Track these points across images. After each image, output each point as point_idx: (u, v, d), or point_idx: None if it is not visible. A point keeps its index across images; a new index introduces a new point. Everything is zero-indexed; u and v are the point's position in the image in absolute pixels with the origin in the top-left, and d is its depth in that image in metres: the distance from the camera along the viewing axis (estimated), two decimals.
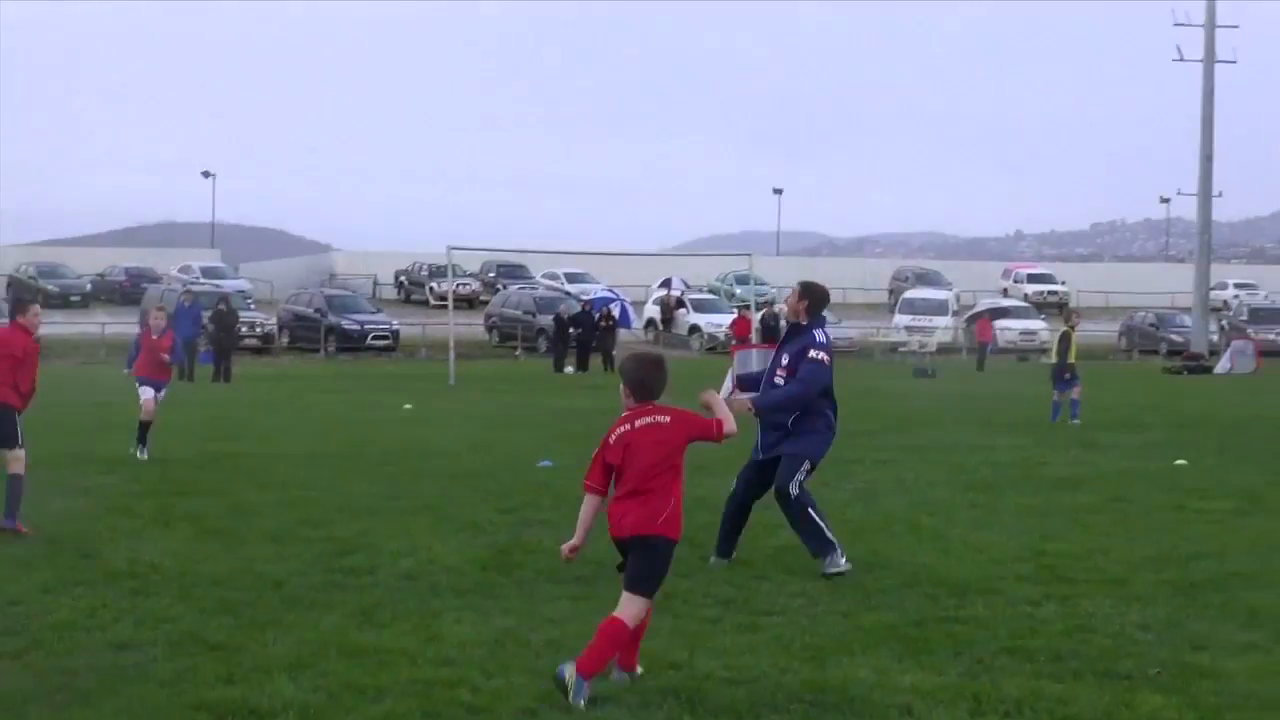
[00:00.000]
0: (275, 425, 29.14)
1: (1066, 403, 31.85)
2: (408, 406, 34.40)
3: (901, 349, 66.80)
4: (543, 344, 62.80)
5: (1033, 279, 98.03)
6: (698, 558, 14.10)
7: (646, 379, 9.85)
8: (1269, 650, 10.52)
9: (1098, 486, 19.83)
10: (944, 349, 66.57)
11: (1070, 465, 22.59)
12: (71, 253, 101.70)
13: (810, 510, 13.51)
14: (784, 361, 13.79)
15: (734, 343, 52.46)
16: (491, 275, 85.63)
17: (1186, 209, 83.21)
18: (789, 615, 11.68)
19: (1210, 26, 74.64)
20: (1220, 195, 75.93)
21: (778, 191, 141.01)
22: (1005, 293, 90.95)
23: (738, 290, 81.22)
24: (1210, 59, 74.66)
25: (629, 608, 9.49)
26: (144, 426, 22.96)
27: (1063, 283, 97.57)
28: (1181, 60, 75.49)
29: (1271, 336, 72.68)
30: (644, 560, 9.60)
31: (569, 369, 52.79)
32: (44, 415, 26.37)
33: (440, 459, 22.50)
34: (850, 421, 25.71)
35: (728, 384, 40.64)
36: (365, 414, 32.10)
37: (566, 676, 9.08)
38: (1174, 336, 74.38)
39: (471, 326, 66.88)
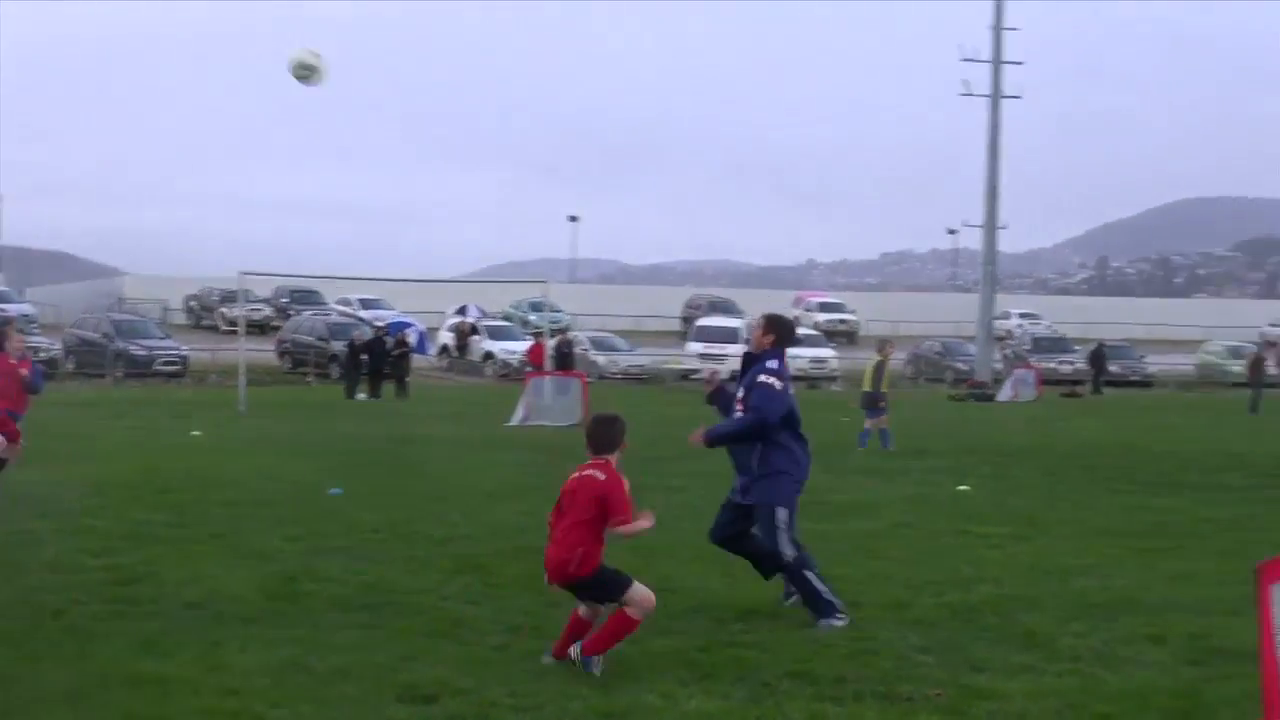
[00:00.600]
0: (60, 451, 28.50)
1: (876, 431, 32.38)
2: (196, 433, 33.91)
3: (694, 376, 67.29)
4: (335, 370, 62.27)
5: (824, 307, 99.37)
6: (485, 585, 14.12)
7: (591, 433, 11.21)
8: (1043, 671, 10.81)
9: (883, 513, 20.18)
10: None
11: (857, 492, 22.96)
12: None
13: (807, 573, 12.74)
14: (740, 394, 12.98)
15: (528, 370, 52.48)
16: (284, 301, 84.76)
17: (973, 240, 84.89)
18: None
19: (996, 62, 76.37)
20: (1005, 227, 77.63)
21: (573, 219, 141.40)
22: (797, 321, 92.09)
23: (532, 317, 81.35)
24: (996, 94, 76.36)
25: (633, 608, 10.71)
26: None
27: (853, 311, 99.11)
28: (969, 95, 77.15)
29: (1053, 365, 74.51)
30: (593, 589, 10.79)
31: (361, 396, 52.37)
32: None
33: (228, 487, 22.22)
34: (643, 448, 25.90)
35: (521, 411, 40.78)
36: (153, 440, 31.58)
37: (572, 654, 10.72)
38: (959, 365, 75.89)
39: (263, 352, 66.10)
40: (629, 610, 10.66)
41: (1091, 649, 11.55)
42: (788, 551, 12.71)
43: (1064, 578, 14.84)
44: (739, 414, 12.94)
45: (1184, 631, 12.13)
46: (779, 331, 13.13)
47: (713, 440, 12.97)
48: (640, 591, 10.73)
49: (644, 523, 10.79)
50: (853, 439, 32.69)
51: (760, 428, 12.73)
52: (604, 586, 10.72)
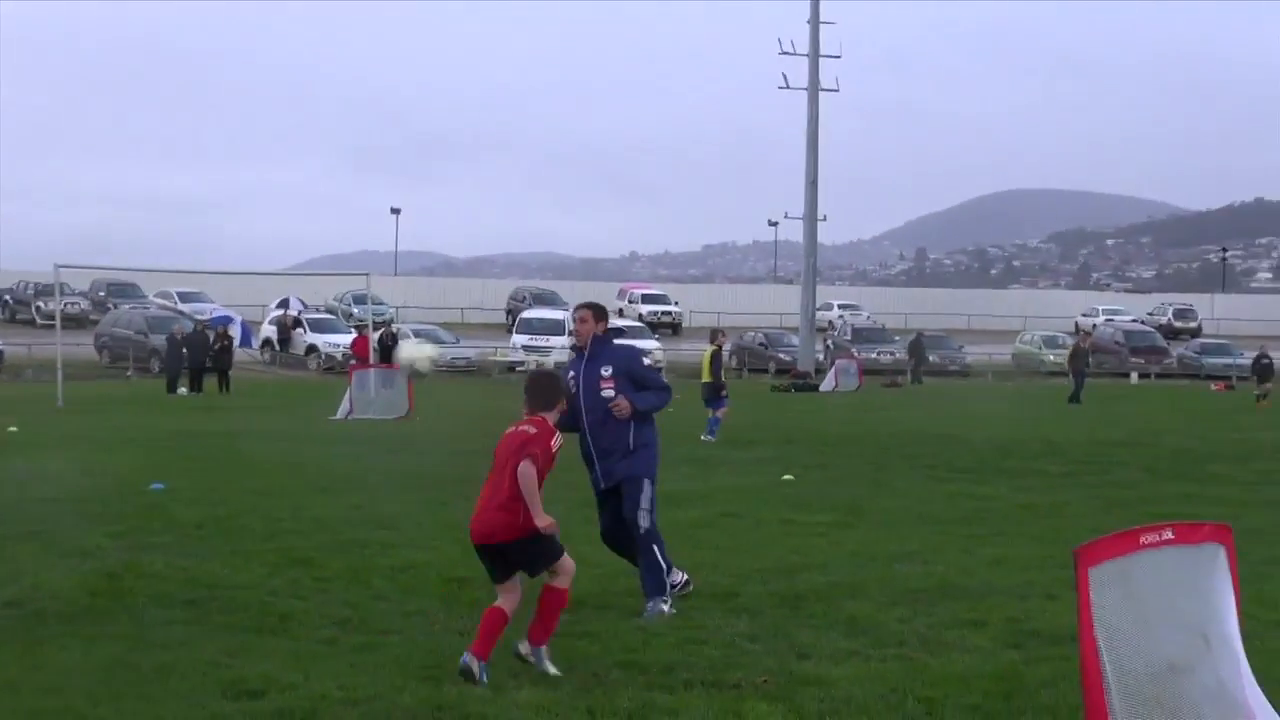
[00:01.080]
0: None
1: (718, 419, 32.42)
2: (12, 429, 33.25)
3: (519, 369, 67.23)
4: (155, 365, 61.39)
5: (647, 299, 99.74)
6: (312, 579, 14.02)
7: (530, 387, 11.04)
8: (868, 656, 10.96)
9: (709, 502, 20.32)
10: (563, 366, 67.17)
11: (681, 481, 23.06)
12: None
13: (656, 548, 12.92)
14: (605, 373, 13.05)
15: (353, 363, 52.09)
16: (102, 294, 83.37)
17: (794, 232, 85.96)
18: (406, 634, 11.70)
19: (814, 56, 77.20)
20: (825, 219, 78.48)
21: (395, 211, 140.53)
22: (620, 313, 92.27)
23: (355, 310, 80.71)
24: (814, 87, 77.18)
25: (560, 578, 10.52)
26: None
27: (676, 303, 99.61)
28: (788, 88, 77.89)
29: (873, 355, 75.55)
30: (529, 553, 10.44)
31: (182, 390, 51.69)
32: None
33: (47, 483, 21.82)
34: (465, 441, 25.87)
35: (345, 405, 40.46)
36: None
37: (523, 651, 10.46)
38: (782, 355, 76.63)
39: (81, 347, 64.92)
40: (558, 582, 10.47)
41: (915, 633, 11.73)
42: (644, 522, 12.92)
43: (887, 564, 15.05)
44: (608, 391, 13.05)
45: (1003, 616, 12.36)
46: (605, 316, 13.63)
47: (644, 409, 13.16)
48: (568, 560, 10.58)
49: (544, 518, 10.15)
50: (679, 430, 32.86)
51: (668, 398, 13.46)
52: (541, 552, 10.34)
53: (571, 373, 13.26)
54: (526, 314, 78.80)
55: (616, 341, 13.66)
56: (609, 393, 13.03)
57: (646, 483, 13.03)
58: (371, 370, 43.02)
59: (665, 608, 12.64)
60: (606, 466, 13.09)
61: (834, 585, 13.80)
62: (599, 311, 13.52)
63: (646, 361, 13.74)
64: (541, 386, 10.99)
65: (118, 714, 9.37)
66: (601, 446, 13.14)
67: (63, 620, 12.17)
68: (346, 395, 40.07)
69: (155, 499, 19.95)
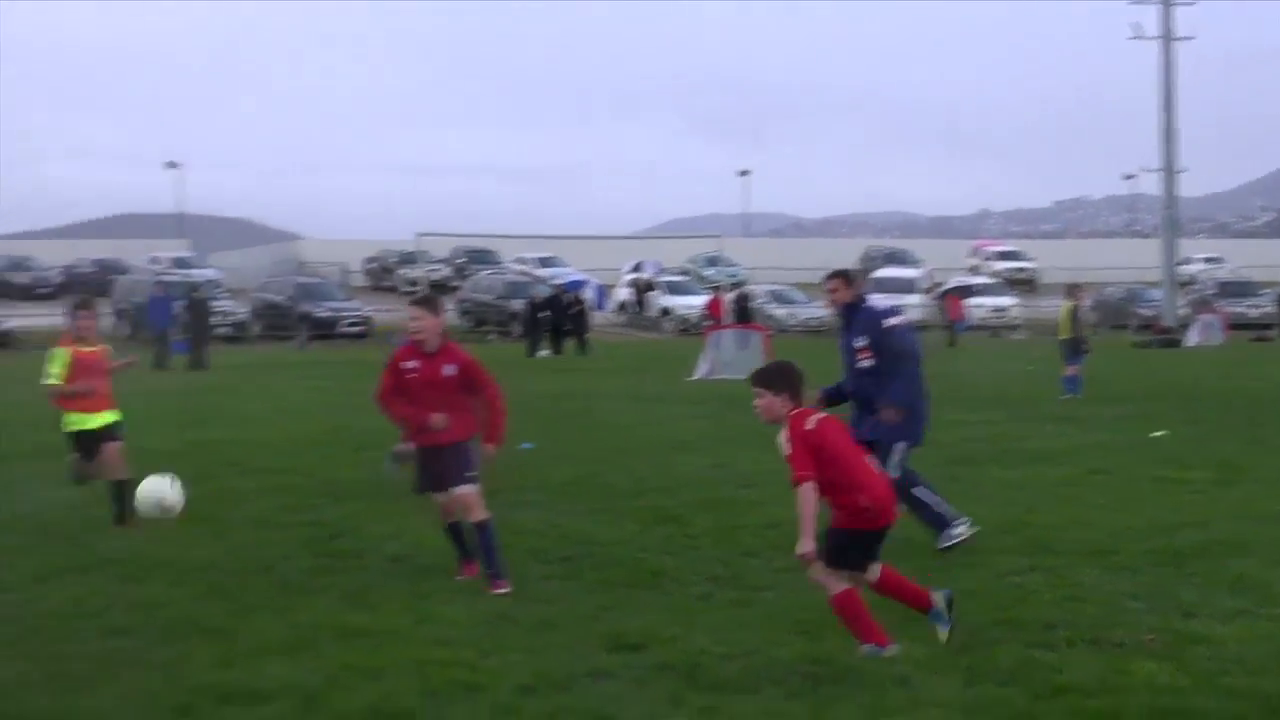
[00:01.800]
0: (252, 412, 29.11)
1: (1077, 375, 31.63)
2: None
3: None
4: (515, 328, 62.73)
5: (1002, 256, 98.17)
6: (682, 535, 14.17)
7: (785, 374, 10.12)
8: (1257, 615, 10.61)
9: (1077, 459, 19.91)
10: (920, 327, 66.64)
11: (1048, 439, 22.68)
12: (39, 245, 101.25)
13: (915, 490, 13.40)
14: (860, 344, 13.53)
15: (708, 324, 52.46)
16: (461, 261, 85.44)
17: (1150, 185, 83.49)
18: (779, 590, 11.73)
19: (1166, 3, 74.76)
20: (1184, 171, 76.11)
21: (744, 173, 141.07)
22: (975, 270, 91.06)
23: (709, 272, 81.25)
24: (1167, 36, 74.77)
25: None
26: None
27: (1031, 259, 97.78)
28: (1139, 38, 75.64)
29: (1240, 309, 73.00)
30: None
31: (543, 353, 52.77)
32: (18, 411, 26.24)
33: None
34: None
35: (704, 365, 40.79)
36: (341, 400, 32.01)
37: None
38: (1143, 311, 74.58)
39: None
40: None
41: None
42: (895, 472, 13.11)
43: (1274, 523, 14.51)
44: (865, 363, 13.53)
45: None
46: (856, 282, 13.91)
47: (901, 402, 13.42)
48: None
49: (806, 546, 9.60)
50: (1039, 388, 32.31)
51: (917, 365, 13.63)
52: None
53: (840, 340, 13.88)
54: (879, 273, 78.28)
55: (868, 304, 13.77)
56: (866, 362, 13.48)
57: (899, 445, 13.40)
58: (726, 330, 43.26)
59: (959, 530, 13.27)
60: (870, 422, 13.43)
61: (1216, 543, 13.38)
62: (849, 278, 13.82)
63: (892, 324, 13.60)
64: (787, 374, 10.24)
65: (505, 665, 9.60)
66: (858, 401, 13.63)
67: (444, 575, 12.52)
68: (704, 356, 40.37)
69: (525, 458, 20.38)
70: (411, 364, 12.24)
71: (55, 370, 14.92)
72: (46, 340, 57.56)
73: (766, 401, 9.75)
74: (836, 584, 9.56)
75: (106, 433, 15.19)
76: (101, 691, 9.07)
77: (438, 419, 12.00)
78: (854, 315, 13.68)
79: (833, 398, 13.76)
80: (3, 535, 14.55)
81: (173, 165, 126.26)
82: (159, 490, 9.44)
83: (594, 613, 11.16)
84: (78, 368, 14.97)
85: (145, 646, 10.19)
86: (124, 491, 14.77)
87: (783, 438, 9.57)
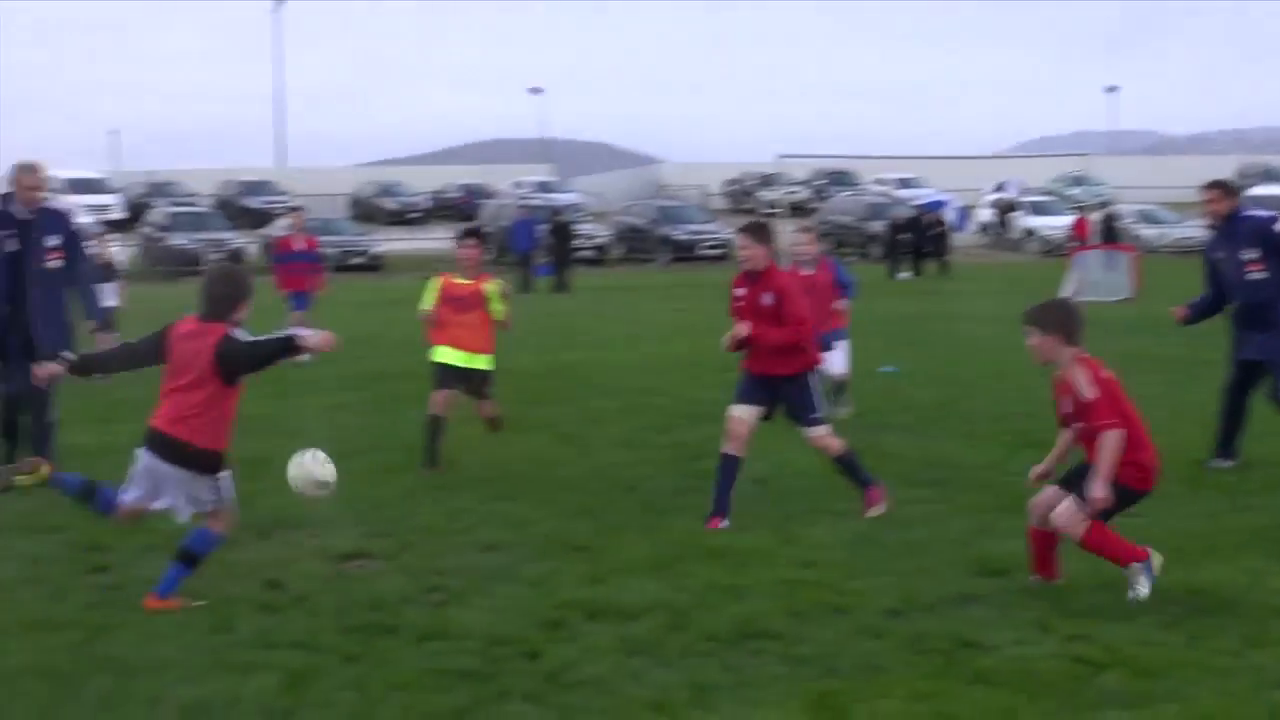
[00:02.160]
0: (615, 334, 29.53)
1: None
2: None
3: None
4: (875, 250, 62.29)
5: None
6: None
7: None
8: None
9: None
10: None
11: None
12: (409, 171, 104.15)
13: None
14: (1249, 256, 13.19)
15: (1074, 245, 51.34)
16: (820, 183, 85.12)
17: None
18: (1152, 517, 11.39)
19: None
20: None
21: (1111, 89, 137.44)
22: None
23: (1074, 192, 79.42)
24: None
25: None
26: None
27: None
28: None
29: None
30: None
31: (904, 275, 52.32)
32: (386, 331, 27.08)
33: None
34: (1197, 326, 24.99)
35: (1069, 288, 40.03)
36: (702, 322, 32.22)
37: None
38: None
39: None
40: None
41: None
42: None
43: None
44: (1255, 275, 13.17)
45: None
46: (1236, 195, 13.57)
47: None
48: None
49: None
50: None
51: None
52: None
53: (1220, 254, 13.36)
54: (1255, 191, 75.51)
55: (1250, 214, 13.32)
56: (1256, 275, 13.06)
57: None
58: (1093, 251, 42.28)
59: None
60: (1258, 341, 13.21)
61: None
62: (1228, 189, 13.45)
63: None
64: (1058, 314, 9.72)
65: (870, 588, 9.56)
66: (1244, 318, 13.33)
67: (808, 496, 12.52)
68: (1070, 277, 39.52)
69: (889, 382, 20.24)
70: (740, 291, 12.02)
71: (427, 298, 14.74)
72: (413, 265, 59.28)
73: (1038, 341, 9.47)
74: (1081, 523, 9.16)
75: (471, 378, 14.53)
76: (476, 605, 9.30)
77: (740, 329, 11.74)
78: (1236, 227, 13.25)
79: (1202, 311, 13.38)
80: (378, 454, 15.01)
81: (536, 91, 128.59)
82: (307, 471, 9.50)
83: (961, 537, 11.04)
84: (446, 298, 14.60)
85: (516, 562, 10.42)
86: (438, 431, 14.33)
87: (1076, 380, 9.27)
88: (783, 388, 11.92)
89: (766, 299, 11.81)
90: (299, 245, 24.84)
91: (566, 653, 8.28)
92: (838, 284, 17.10)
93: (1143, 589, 9.06)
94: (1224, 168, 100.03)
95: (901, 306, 36.98)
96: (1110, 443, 9.07)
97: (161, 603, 9.24)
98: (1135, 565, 9.12)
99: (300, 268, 24.58)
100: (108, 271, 23.46)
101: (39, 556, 10.61)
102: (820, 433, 12.02)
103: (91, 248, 16.79)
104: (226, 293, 9.56)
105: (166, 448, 9.29)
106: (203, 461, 9.32)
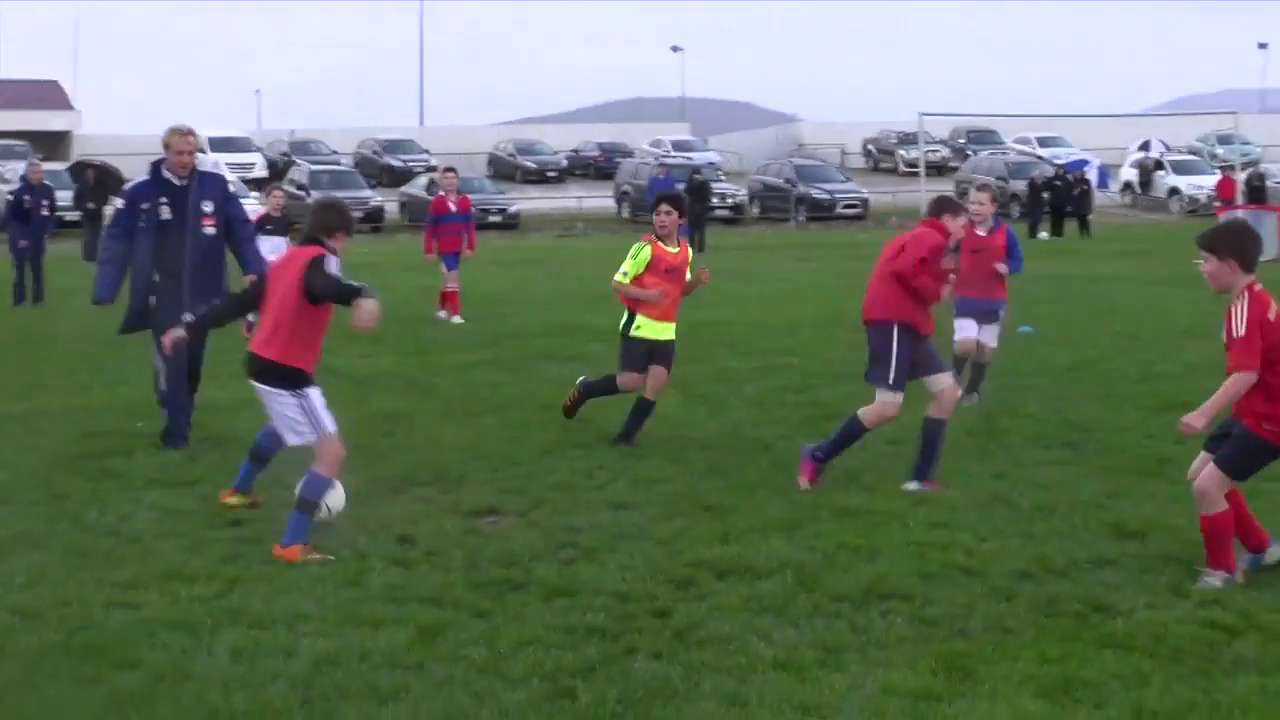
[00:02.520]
0: (750, 294, 29.44)
1: None
2: None
3: None
4: (1016, 209, 61.64)
5: None
6: None
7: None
8: None
9: None
10: None
11: None
12: (546, 130, 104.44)
13: None
14: None
15: (1218, 205, 50.49)
16: (961, 141, 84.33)
17: None
18: None
19: None
20: None
21: (1262, 45, 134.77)
22: None
23: (1220, 151, 78.08)
24: None
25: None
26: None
27: None
28: None
29: None
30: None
31: (1043, 234, 51.73)
32: (526, 289, 27.19)
33: None
34: None
35: None
36: (837, 281, 32.09)
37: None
38: None
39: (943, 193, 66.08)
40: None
41: None
42: None
43: None
44: None
45: None
46: None
47: None
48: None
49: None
50: None
51: None
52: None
53: None
54: None
55: None
56: None
57: None
58: (1238, 211, 41.51)
59: None
60: None
61: None
62: None
63: None
64: (1236, 237, 9.24)
65: (1002, 550, 9.50)
66: None
67: (944, 457, 12.41)
68: None
69: (1024, 341, 20.05)
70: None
71: (630, 267, 13.39)
72: (550, 223, 59.37)
73: (1212, 267, 8.92)
74: (1220, 501, 8.70)
75: (662, 351, 13.58)
76: (606, 562, 9.34)
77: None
78: None
79: None
80: (512, 412, 15.09)
81: (676, 49, 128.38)
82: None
83: (1096, 499, 10.93)
84: (662, 269, 13.48)
85: (647, 520, 10.45)
86: (645, 413, 13.66)
87: (1235, 313, 8.70)
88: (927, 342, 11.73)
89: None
90: (453, 206, 24.96)
91: (695, 611, 8.31)
92: (1010, 253, 15.74)
93: (1214, 582, 8.66)
94: None
95: (1041, 266, 36.54)
96: (1232, 383, 8.61)
97: (284, 551, 9.47)
98: (1219, 573, 8.69)
99: (454, 228, 24.70)
100: (280, 225, 23.68)
101: (174, 509, 10.78)
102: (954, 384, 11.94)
103: (260, 200, 16.46)
104: (324, 219, 10.05)
105: (256, 368, 9.78)
106: (284, 377, 9.68)
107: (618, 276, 13.47)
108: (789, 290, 30.28)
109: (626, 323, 13.47)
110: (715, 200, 57.92)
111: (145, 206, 13.05)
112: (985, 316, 15.50)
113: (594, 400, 14.06)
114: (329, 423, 9.76)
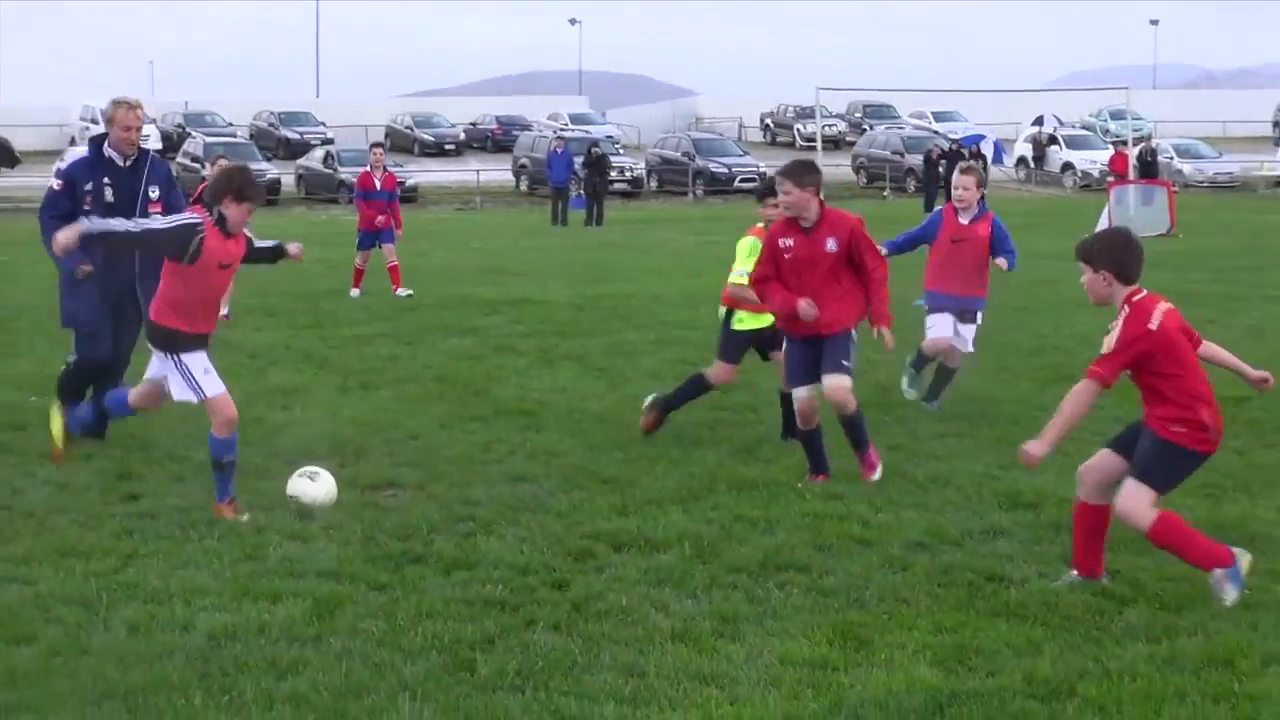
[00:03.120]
0: (648, 267, 29.49)
1: None
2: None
3: None
4: (911, 184, 62.06)
5: None
6: None
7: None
8: None
9: None
10: None
11: None
12: (446, 102, 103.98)
13: None
14: None
15: (1110, 180, 51.04)
16: (857, 116, 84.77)
17: None
18: None
19: None
20: None
21: (1154, 22, 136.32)
22: None
23: (1112, 126, 78.90)
24: None
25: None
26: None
27: None
28: None
29: None
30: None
31: (939, 207, 52.14)
32: (424, 262, 27.11)
33: None
34: (1235, 258, 24.95)
35: (1105, 223, 39.79)
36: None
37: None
38: None
39: (839, 168, 66.28)
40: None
41: None
42: None
43: None
44: None
45: None
46: None
47: None
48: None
49: None
50: None
51: None
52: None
53: None
54: None
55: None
56: None
57: None
58: (1131, 186, 42.05)
59: None
60: None
61: None
62: None
63: None
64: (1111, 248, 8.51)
65: (896, 521, 9.62)
66: None
67: (836, 429, 12.48)
68: (1107, 211, 39.33)
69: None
70: (787, 242, 10.91)
71: (747, 265, 11.99)
72: (448, 196, 59.12)
73: (1089, 279, 8.39)
74: (1149, 514, 8.08)
75: (772, 338, 12.43)
76: (505, 535, 9.36)
77: (805, 307, 10.62)
78: None
79: None
80: (409, 385, 15.06)
81: (574, 22, 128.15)
82: (302, 492, 9.62)
83: (990, 471, 11.07)
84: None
85: (545, 493, 10.46)
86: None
87: (1114, 327, 8.20)
88: (824, 344, 10.93)
89: (831, 245, 10.86)
90: (379, 183, 24.80)
91: (593, 583, 8.35)
92: (996, 245, 14.21)
93: (1229, 595, 7.97)
94: (1266, 102, 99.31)
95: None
96: (1077, 394, 8.25)
97: (216, 509, 9.79)
98: (1217, 572, 8.04)
99: (379, 206, 24.55)
100: None
101: (69, 484, 10.68)
102: (846, 383, 10.90)
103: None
104: (214, 185, 10.21)
105: (147, 329, 10.24)
106: (159, 336, 9.95)
107: (736, 279, 12.33)
108: (687, 264, 30.31)
109: (727, 315, 12.65)
110: (613, 174, 57.89)
111: (88, 188, 11.82)
112: (962, 316, 14.09)
113: (490, 375, 14.00)
114: (212, 386, 9.87)
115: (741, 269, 12.13)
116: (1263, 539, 8.99)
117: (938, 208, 16.78)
